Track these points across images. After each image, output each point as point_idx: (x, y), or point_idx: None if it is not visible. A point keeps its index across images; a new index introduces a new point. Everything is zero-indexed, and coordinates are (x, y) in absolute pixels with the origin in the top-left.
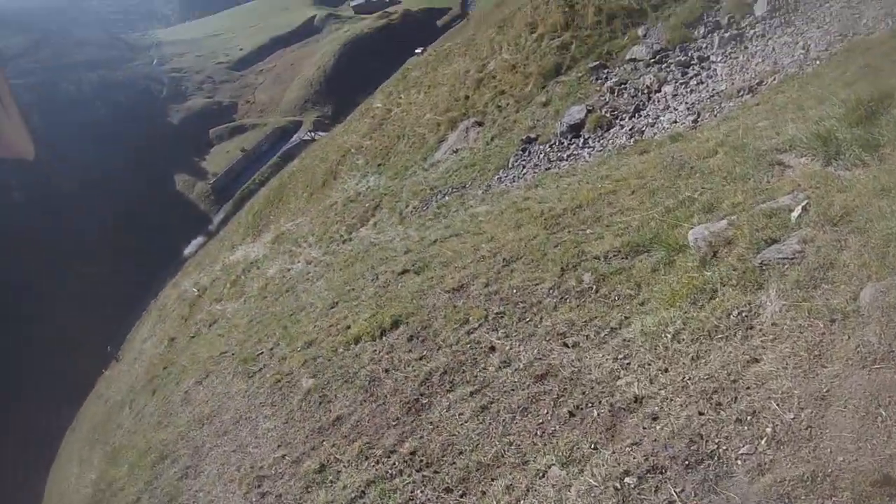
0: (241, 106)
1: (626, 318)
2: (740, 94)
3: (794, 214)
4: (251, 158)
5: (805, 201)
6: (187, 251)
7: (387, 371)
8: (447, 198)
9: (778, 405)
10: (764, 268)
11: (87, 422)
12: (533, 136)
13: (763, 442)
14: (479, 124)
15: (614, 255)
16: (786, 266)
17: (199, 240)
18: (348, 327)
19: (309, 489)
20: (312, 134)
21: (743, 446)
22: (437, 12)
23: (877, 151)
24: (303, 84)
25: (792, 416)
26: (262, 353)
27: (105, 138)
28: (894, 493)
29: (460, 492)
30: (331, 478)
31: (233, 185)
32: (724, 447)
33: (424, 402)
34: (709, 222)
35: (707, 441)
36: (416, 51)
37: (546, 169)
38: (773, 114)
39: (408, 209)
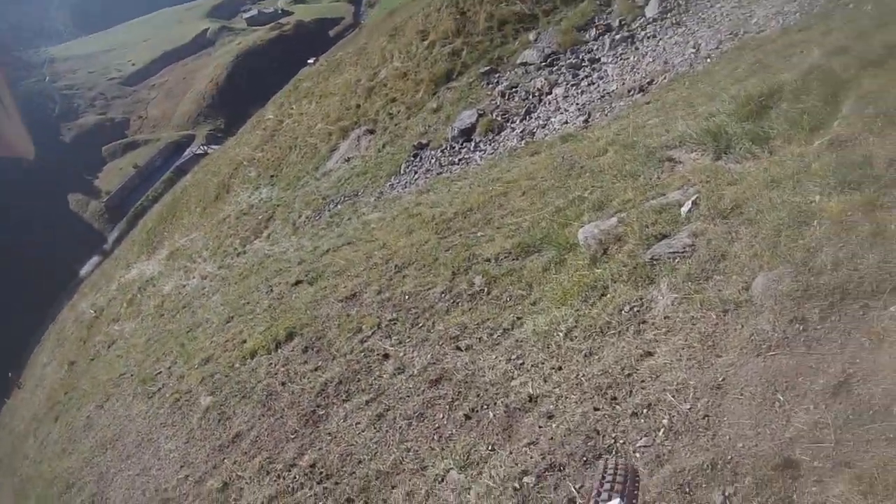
0: (134, 122)
1: (518, 318)
2: (631, 93)
3: (685, 209)
4: (144, 175)
5: (695, 195)
6: (83, 272)
7: (283, 384)
8: (340, 206)
9: (674, 397)
10: (654, 263)
11: None
12: (424, 141)
13: (661, 433)
14: (371, 132)
15: (505, 257)
16: (676, 260)
17: (95, 259)
18: (244, 341)
19: None
20: (205, 148)
21: (640, 439)
22: (330, 22)
23: (767, 144)
24: (195, 98)
25: (688, 407)
26: (161, 372)
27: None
28: (796, 474)
29: (362, 501)
30: (234, 496)
31: (127, 202)
32: (622, 441)
33: (321, 413)
34: (599, 220)
35: (604, 436)
36: (309, 61)
37: (438, 174)
38: (663, 111)
39: (301, 219)
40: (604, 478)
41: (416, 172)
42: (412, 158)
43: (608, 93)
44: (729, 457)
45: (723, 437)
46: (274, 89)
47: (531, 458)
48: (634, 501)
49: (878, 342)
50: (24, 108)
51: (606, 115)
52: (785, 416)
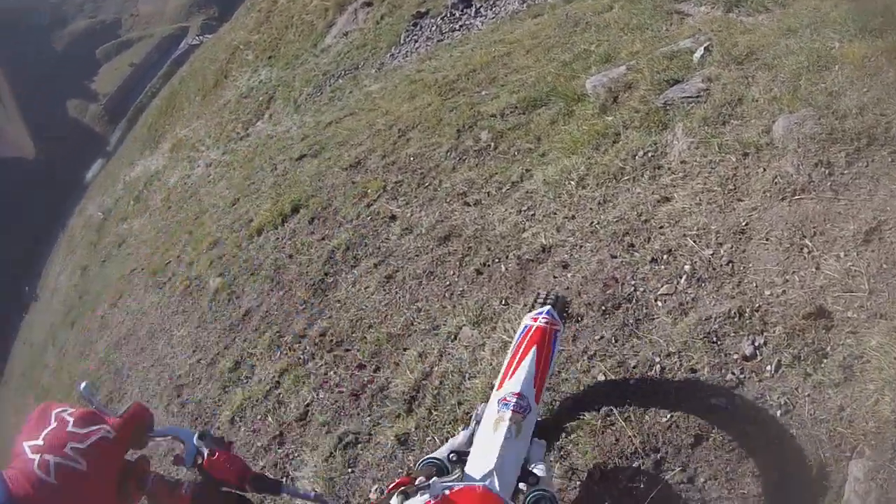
0: (126, 20)
1: (527, 171)
2: None
3: (697, 55)
4: (142, 72)
5: (707, 42)
6: (89, 176)
7: (290, 256)
8: (340, 81)
9: (695, 242)
10: (668, 108)
11: (15, 370)
12: (423, 10)
13: (682, 280)
14: (369, 4)
15: (511, 112)
16: (691, 105)
17: (99, 162)
18: (250, 220)
19: (226, 389)
20: (200, 38)
21: (661, 287)
22: None
23: None
24: None
25: (711, 253)
26: (170, 262)
27: None
28: (829, 324)
29: (374, 366)
30: (245, 373)
31: (126, 101)
32: (641, 289)
33: (330, 281)
34: (607, 70)
35: (622, 284)
36: None
37: (439, 41)
38: None
39: (302, 97)
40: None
41: (416, 41)
42: (412, 28)
43: None
44: (757, 305)
45: (749, 284)
46: None
47: None
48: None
49: None
50: (12, 24)
51: None
52: (814, 263)
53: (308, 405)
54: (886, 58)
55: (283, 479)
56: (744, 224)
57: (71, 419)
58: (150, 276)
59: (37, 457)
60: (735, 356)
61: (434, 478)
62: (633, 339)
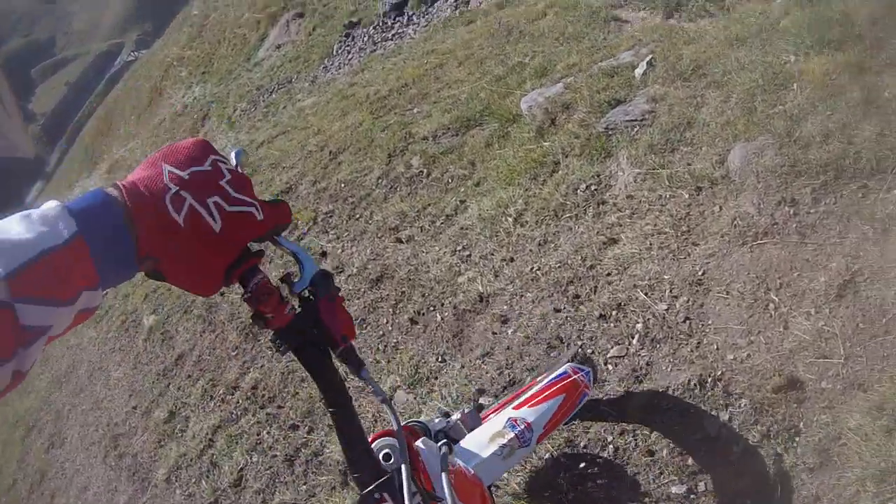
0: (60, 38)
1: (461, 202)
2: None
3: (639, 71)
4: (77, 91)
5: (649, 56)
6: (28, 199)
7: (222, 294)
8: (274, 95)
9: (646, 295)
10: (610, 133)
11: None
12: (355, 20)
13: (635, 341)
14: (300, 16)
15: (443, 133)
16: (635, 129)
17: (39, 184)
18: None
19: (162, 443)
20: (135, 54)
21: (612, 348)
22: None
23: (723, 1)
24: (120, 4)
25: (665, 307)
26: (107, 293)
27: None
28: (801, 397)
29: (307, 427)
30: (180, 426)
31: (64, 122)
32: (590, 350)
33: (256, 332)
34: (543, 87)
35: (568, 344)
36: None
37: (371, 52)
38: None
39: (236, 114)
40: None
41: (349, 52)
42: (344, 38)
43: None
44: (719, 372)
45: (709, 346)
46: None
47: (487, 373)
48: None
49: (883, 231)
50: None
51: None
52: (782, 322)
53: (242, 469)
54: (849, 74)
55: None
56: (700, 273)
57: (228, 174)
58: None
59: (174, 188)
60: (698, 436)
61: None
62: (582, 412)
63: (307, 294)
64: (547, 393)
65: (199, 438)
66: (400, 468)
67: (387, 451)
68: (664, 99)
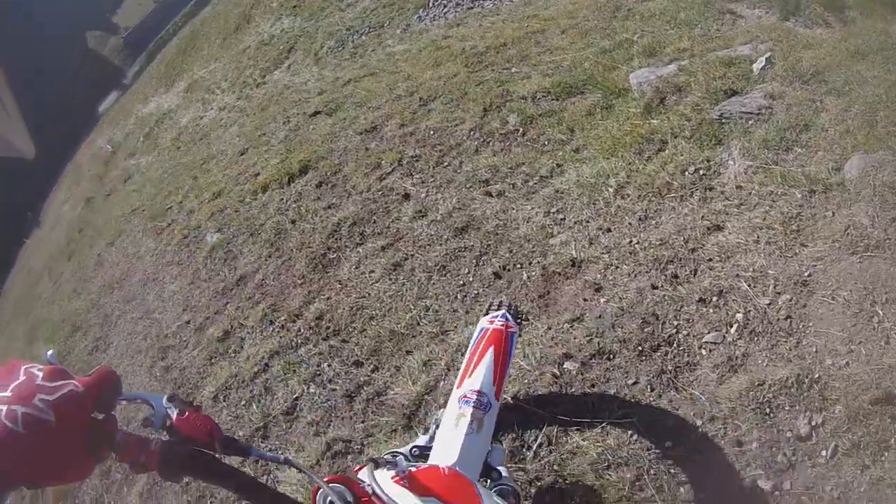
0: None
1: (558, 165)
2: None
3: (757, 66)
4: (165, 9)
5: (768, 53)
6: (102, 107)
7: (293, 222)
8: (364, 38)
9: (749, 286)
10: (724, 121)
11: (11, 294)
12: None
13: (733, 330)
14: None
15: (543, 96)
16: (750, 122)
17: (114, 95)
18: (257, 174)
19: (212, 360)
20: None
21: (708, 333)
22: None
23: (841, 13)
24: None
25: (767, 302)
26: (172, 207)
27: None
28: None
29: (372, 366)
30: (234, 347)
31: (147, 37)
32: (685, 332)
33: (332, 257)
34: (653, 66)
35: (664, 322)
36: None
37: (469, 9)
38: None
39: (323, 50)
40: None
41: (445, 6)
42: None
43: None
44: (816, 374)
45: (808, 347)
46: None
47: (575, 338)
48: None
49: None
50: None
51: None
52: (884, 336)
53: (297, 398)
54: None
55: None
56: (807, 274)
57: (40, 374)
58: (150, 220)
59: (4, 407)
60: (789, 434)
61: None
62: (670, 391)
63: (168, 424)
64: (477, 355)
65: (254, 361)
66: None
67: (329, 499)
68: (782, 97)
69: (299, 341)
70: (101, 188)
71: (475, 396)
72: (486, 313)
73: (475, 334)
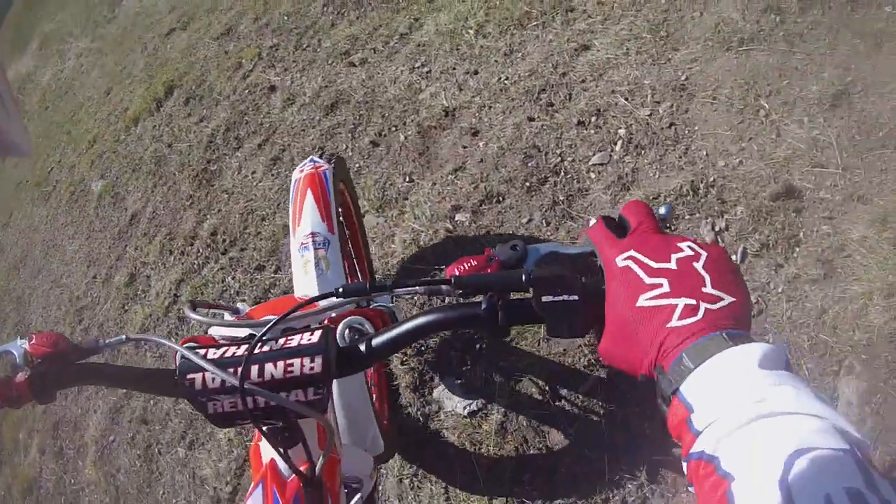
0: None
1: (415, 20)
2: None
3: None
4: None
5: None
6: None
7: (170, 146)
8: None
9: (626, 100)
10: None
11: None
12: None
13: (618, 147)
14: None
15: None
16: None
17: None
18: (126, 110)
19: (125, 307)
20: None
21: (593, 155)
22: None
23: None
24: None
25: (648, 113)
26: (52, 169)
27: None
28: (799, 206)
29: (273, 266)
30: (142, 287)
31: None
32: (570, 159)
33: (213, 169)
34: None
35: (546, 153)
36: None
37: None
38: None
39: None
40: None
41: None
42: None
43: None
44: (711, 179)
45: (698, 152)
46: None
47: (461, 188)
48: None
49: (875, 46)
50: None
51: None
52: (774, 129)
53: None
54: None
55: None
56: (683, 78)
57: None
58: (36, 188)
59: None
60: None
61: None
62: (567, 222)
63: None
64: (298, 203)
65: (164, 296)
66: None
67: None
68: None
69: (200, 262)
70: None
71: (310, 240)
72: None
73: (291, 190)
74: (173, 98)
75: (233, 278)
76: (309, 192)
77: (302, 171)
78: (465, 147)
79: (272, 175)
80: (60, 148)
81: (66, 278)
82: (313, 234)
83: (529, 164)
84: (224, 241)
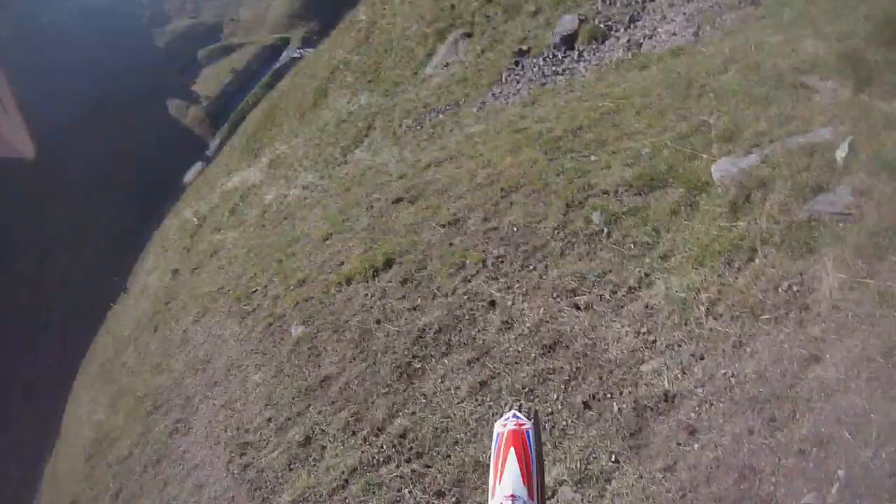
0: (227, 25)
1: (646, 275)
2: (741, 4)
3: (840, 154)
4: (242, 79)
5: (850, 137)
6: (186, 178)
7: (378, 322)
8: (441, 116)
9: (850, 435)
10: (813, 224)
11: (97, 358)
12: (525, 48)
13: (834, 491)
14: (468, 35)
15: (625, 191)
16: (840, 224)
17: (198, 165)
18: (341, 264)
19: (292, 466)
20: (301, 51)
21: (807, 492)
22: None
23: None
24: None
25: (870, 455)
26: (257, 290)
27: (87, 69)
28: None
29: (454, 497)
30: (314, 454)
31: (227, 107)
32: (783, 491)
33: (417, 366)
34: (735, 156)
35: (761, 478)
36: None
37: (542, 84)
38: (782, 29)
39: (401, 129)
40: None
41: (518, 81)
42: (513, 66)
43: (717, 2)
44: None
45: None
46: None
47: (668, 491)
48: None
49: None
50: (110, 16)
51: (717, 27)
52: None
53: None
54: None
55: None
56: None
57: None
58: (235, 301)
59: None
60: None
61: None
62: None
63: None
64: (500, 461)
65: (334, 475)
66: None
67: None
68: (870, 193)
69: (381, 459)
70: (188, 261)
71: (509, 502)
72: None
73: (493, 444)
74: (390, 273)
75: (410, 493)
76: (512, 451)
77: (505, 425)
78: (679, 444)
79: (476, 400)
80: (268, 274)
81: (241, 406)
82: (513, 497)
83: (742, 487)
84: (411, 448)
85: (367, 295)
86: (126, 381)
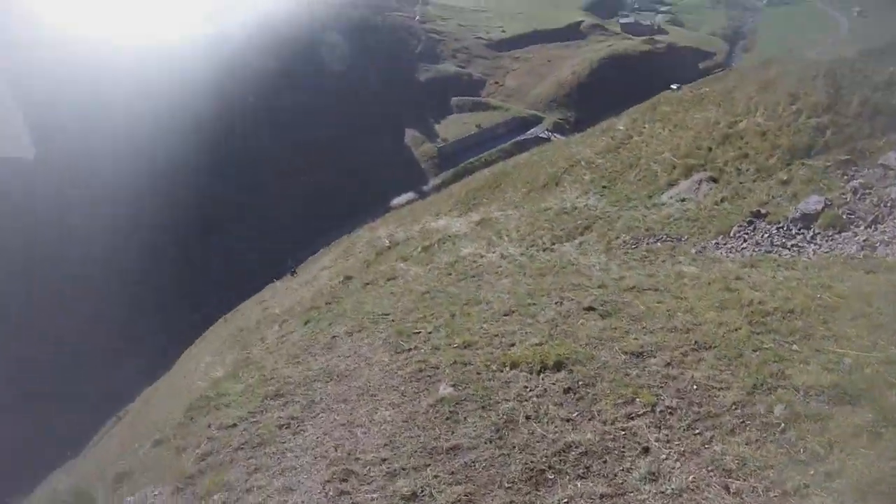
0: (490, 85)
1: (805, 485)
2: None
3: None
4: (483, 137)
5: None
6: (394, 201)
7: (528, 418)
8: (659, 244)
9: None
10: None
11: (238, 321)
12: (763, 211)
13: None
14: (714, 180)
15: (816, 394)
16: None
17: (410, 196)
18: (512, 345)
19: None
20: (549, 133)
21: None
22: (701, 55)
23: None
24: (554, 83)
25: None
26: (420, 332)
27: (350, 80)
28: None
29: None
30: None
31: (458, 155)
32: None
33: (550, 477)
34: None
35: None
36: (673, 86)
37: (766, 252)
38: None
39: (617, 241)
40: None
41: (745, 240)
42: (746, 224)
43: None
44: None
45: None
46: (630, 101)
47: None
48: None
49: None
50: (387, 38)
51: None
52: None
53: None
54: None
55: None
56: None
57: None
58: (396, 333)
59: None
60: None
61: None
62: None
63: None
64: None
65: None
66: None
67: None
68: None
69: None
70: (364, 275)
71: None
72: None
73: None
74: (558, 376)
75: None
76: None
77: None
78: None
79: None
80: (437, 322)
81: (361, 433)
82: None
83: None
84: None
85: (526, 387)
86: (258, 354)
